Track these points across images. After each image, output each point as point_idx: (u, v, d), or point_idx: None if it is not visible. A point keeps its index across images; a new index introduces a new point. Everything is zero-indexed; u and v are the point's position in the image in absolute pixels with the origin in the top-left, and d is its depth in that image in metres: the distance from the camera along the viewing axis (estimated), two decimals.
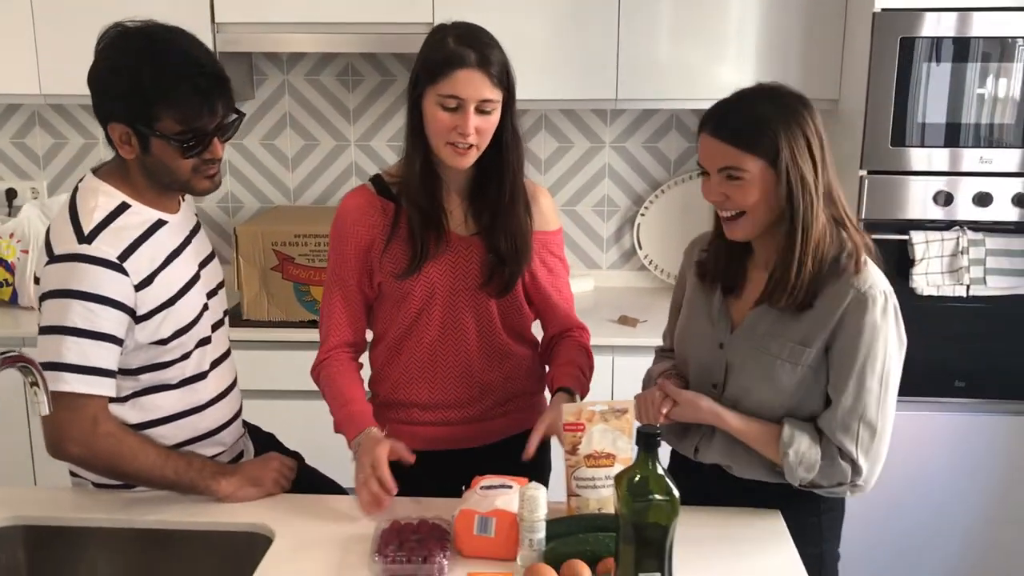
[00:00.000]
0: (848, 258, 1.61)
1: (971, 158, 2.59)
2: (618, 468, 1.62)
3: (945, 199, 2.61)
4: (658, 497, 1.31)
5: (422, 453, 1.91)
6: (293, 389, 2.57)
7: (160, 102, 1.60)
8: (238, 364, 1.98)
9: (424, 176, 1.80)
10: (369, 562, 1.54)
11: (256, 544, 1.65)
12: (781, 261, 1.61)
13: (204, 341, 1.81)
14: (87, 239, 1.62)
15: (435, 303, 1.85)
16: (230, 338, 1.95)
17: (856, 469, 1.61)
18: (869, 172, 2.62)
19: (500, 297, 1.87)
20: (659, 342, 2.00)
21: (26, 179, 3.38)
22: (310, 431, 2.07)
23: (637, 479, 1.32)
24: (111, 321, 1.63)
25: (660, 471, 1.33)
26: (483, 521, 1.57)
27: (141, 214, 1.70)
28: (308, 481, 1.91)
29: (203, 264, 1.83)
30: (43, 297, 1.65)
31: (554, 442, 1.79)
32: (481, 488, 1.62)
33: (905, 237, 2.61)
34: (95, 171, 1.74)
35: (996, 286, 2.61)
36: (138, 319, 1.66)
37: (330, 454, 1.94)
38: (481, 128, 1.72)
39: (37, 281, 1.68)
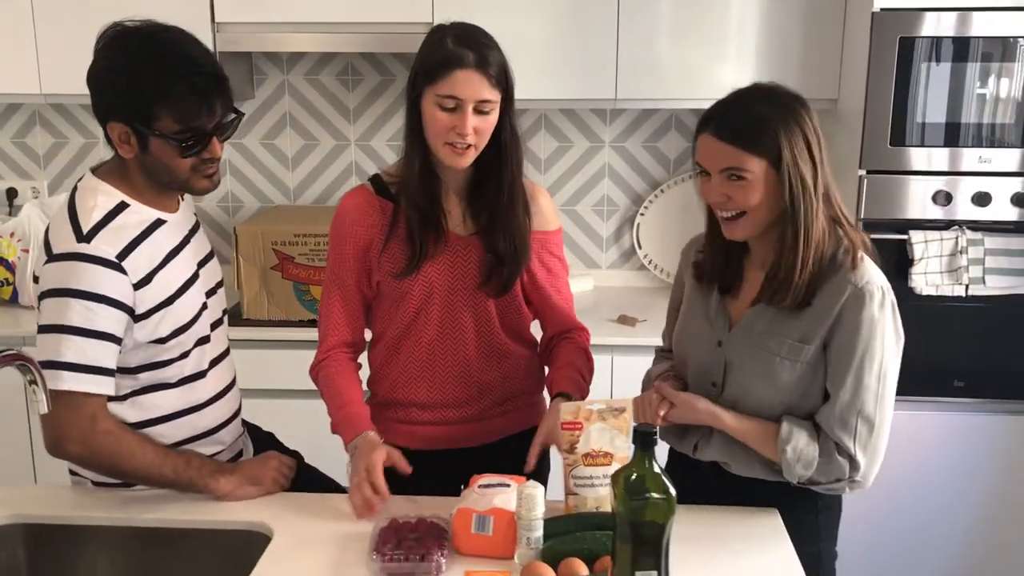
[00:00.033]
0: (845, 254, 1.62)
1: (970, 158, 2.59)
2: (616, 467, 1.63)
3: (944, 199, 2.61)
4: (655, 495, 1.31)
5: (420, 452, 1.92)
6: (293, 388, 2.57)
7: (159, 101, 1.60)
8: (238, 363, 1.98)
9: (423, 176, 1.80)
10: (367, 560, 1.54)
11: (254, 542, 1.65)
12: (782, 261, 1.61)
13: (203, 340, 1.81)
14: (86, 238, 1.63)
15: (433, 303, 1.86)
16: (230, 337, 1.95)
17: (854, 465, 1.62)
18: (868, 172, 2.62)
19: (498, 297, 1.88)
20: (658, 341, 2.00)
21: (27, 178, 3.39)
22: (310, 430, 2.08)
23: (634, 477, 1.32)
24: (110, 320, 1.63)
25: (657, 469, 1.33)
26: (481, 519, 1.57)
27: (140, 213, 1.71)
28: (307, 480, 1.92)
29: (202, 263, 1.83)
30: (42, 296, 1.65)
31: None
32: (479, 487, 1.63)
33: (904, 237, 2.62)
34: (94, 170, 1.74)
35: (995, 286, 2.61)
36: (137, 318, 1.67)
37: (329, 453, 1.94)
38: (479, 128, 1.73)
39: (36, 280, 1.68)
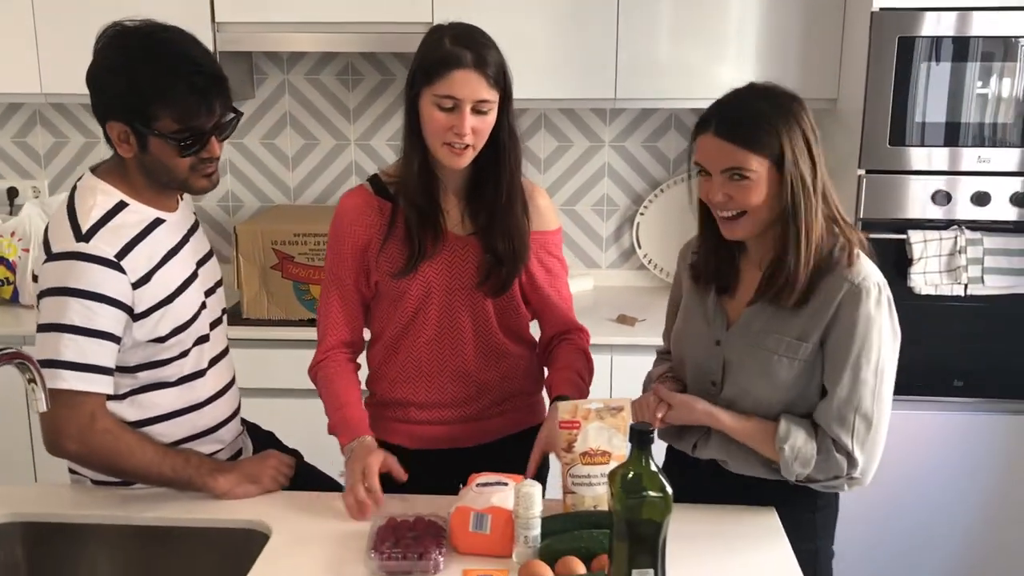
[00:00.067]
0: (841, 251, 1.62)
1: (969, 157, 2.60)
2: (613, 466, 1.63)
3: (943, 198, 2.61)
4: (651, 494, 1.31)
5: (419, 452, 1.93)
6: (293, 388, 2.57)
7: (158, 101, 1.60)
8: (238, 362, 1.98)
9: (422, 176, 1.81)
10: (365, 559, 1.54)
11: (253, 540, 1.66)
12: (784, 260, 1.61)
13: (202, 339, 1.81)
14: (85, 237, 1.63)
15: (431, 302, 1.86)
16: (229, 336, 1.96)
17: (852, 462, 1.62)
18: (867, 171, 2.63)
19: (496, 297, 1.88)
20: (658, 341, 2.00)
21: (27, 178, 3.39)
22: (309, 429, 2.08)
23: (631, 475, 1.32)
24: (109, 319, 1.63)
25: (654, 468, 1.33)
26: (479, 518, 1.57)
27: (139, 212, 1.71)
28: (307, 479, 1.92)
29: (201, 262, 1.84)
30: (41, 295, 1.65)
31: None
32: (477, 485, 1.63)
33: (903, 236, 2.62)
34: (94, 170, 1.75)
35: (994, 285, 2.61)
36: (136, 317, 1.67)
37: (329, 453, 1.94)
38: (477, 128, 1.73)
39: (36, 279, 1.69)
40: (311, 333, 1.99)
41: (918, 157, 2.61)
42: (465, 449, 1.94)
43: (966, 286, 2.62)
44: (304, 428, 2.13)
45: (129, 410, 1.74)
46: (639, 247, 3.30)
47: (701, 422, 1.71)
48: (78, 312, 1.61)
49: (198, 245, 1.85)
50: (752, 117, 1.58)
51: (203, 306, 1.81)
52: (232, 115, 1.70)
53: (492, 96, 1.72)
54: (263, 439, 2.04)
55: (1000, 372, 2.70)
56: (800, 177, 1.57)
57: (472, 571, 1.53)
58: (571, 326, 1.99)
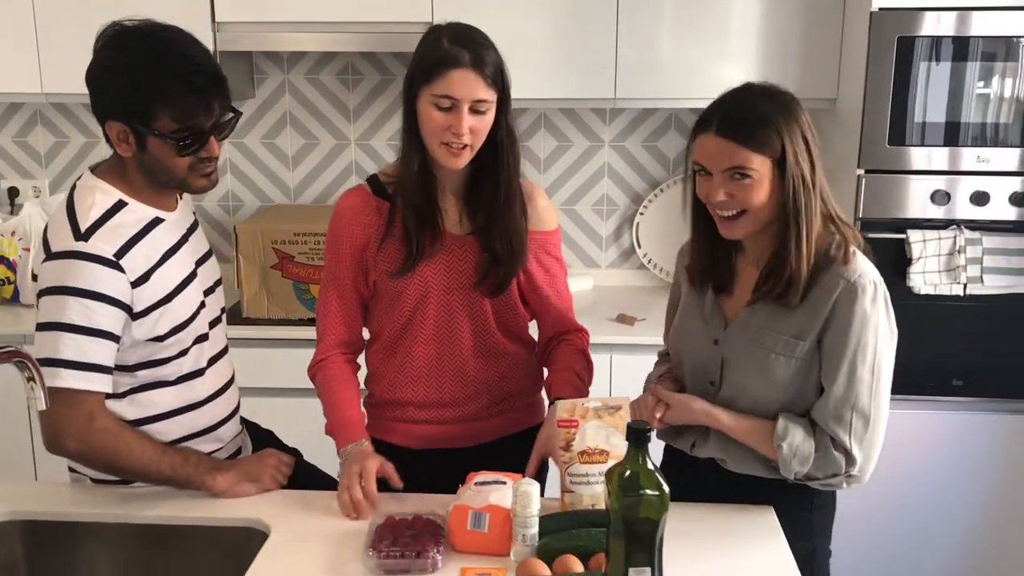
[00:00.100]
0: (837, 249, 1.63)
1: (969, 157, 2.60)
2: (612, 464, 1.63)
3: (943, 198, 2.61)
4: (648, 492, 1.31)
5: (417, 452, 1.93)
6: (292, 387, 2.58)
7: (157, 101, 1.61)
8: (237, 362, 1.99)
9: (420, 175, 1.81)
10: (363, 557, 1.55)
11: (252, 539, 1.66)
12: (785, 260, 1.61)
13: (201, 338, 1.82)
14: (84, 236, 1.64)
15: (429, 302, 1.86)
16: (229, 336, 1.96)
17: (850, 459, 1.62)
18: (867, 171, 2.63)
19: (494, 296, 1.88)
20: (657, 340, 2.00)
21: (28, 177, 3.40)
22: (308, 428, 2.08)
23: (628, 474, 1.32)
24: (107, 317, 1.64)
25: (651, 466, 1.33)
26: (477, 517, 1.58)
27: (138, 212, 1.71)
28: (306, 478, 1.92)
29: (200, 262, 1.84)
30: (40, 294, 1.66)
31: None
32: (475, 484, 1.63)
33: (902, 236, 2.62)
34: (93, 169, 1.75)
35: (993, 285, 2.61)
36: (135, 316, 1.68)
37: (328, 451, 1.94)
38: (475, 128, 1.73)
39: (35, 278, 1.69)
40: (311, 332, 2.00)
41: (917, 157, 2.61)
42: (464, 449, 1.94)
43: (965, 286, 2.62)
44: (303, 427, 2.13)
45: (128, 409, 1.74)
46: (639, 247, 3.30)
47: (699, 421, 1.71)
48: (77, 311, 1.62)
49: (197, 244, 1.85)
50: (754, 116, 1.58)
51: (202, 305, 1.82)
52: (231, 115, 1.70)
53: (490, 96, 1.73)
54: (262, 438, 2.05)
55: (999, 372, 2.70)
56: (801, 176, 1.58)
57: (470, 569, 1.53)
58: (570, 326, 1.99)
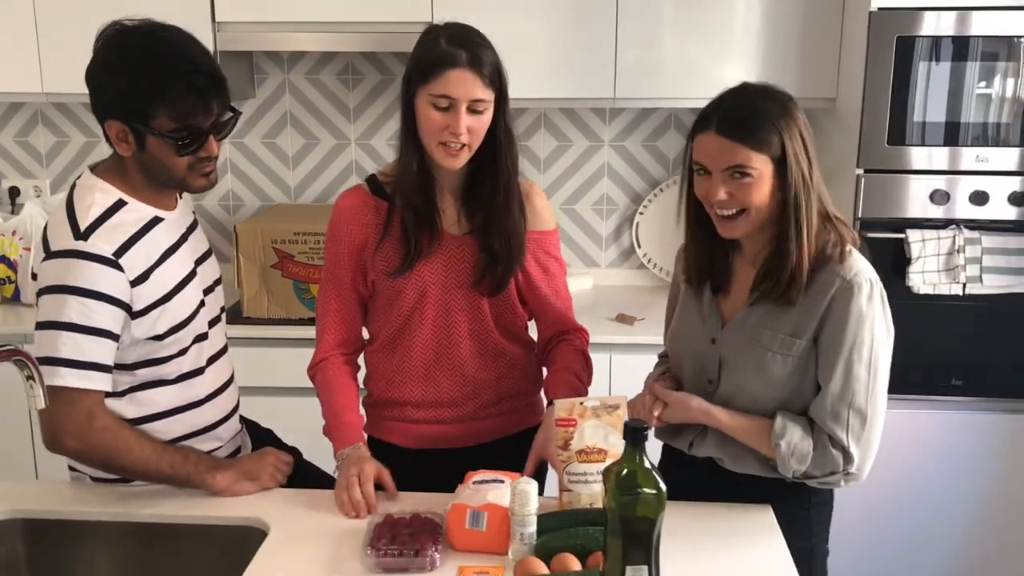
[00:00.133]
0: (833, 248, 1.63)
1: (968, 157, 2.60)
2: (610, 463, 1.63)
3: (942, 198, 2.61)
4: (645, 490, 1.32)
5: (415, 451, 1.94)
6: (292, 386, 2.58)
7: (156, 100, 1.61)
8: (237, 361, 1.99)
9: (418, 175, 1.81)
10: (362, 555, 1.55)
11: (251, 537, 1.66)
12: (779, 257, 1.61)
13: (201, 337, 1.82)
14: (83, 236, 1.64)
15: (427, 302, 1.86)
16: (229, 335, 1.97)
17: (848, 457, 1.62)
18: (866, 171, 2.63)
19: (492, 296, 1.88)
20: (657, 340, 2.00)
21: (29, 177, 3.40)
22: (308, 427, 2.08)
23: (625, 473, 1.33)
24: (107, 317, 1.64)
25: (648, 465, 1.33)
26: (475, 515, 1.58)
27: (137, 211, 1.72)
28: (305, 476, 1.92)
29: (199, 261, 1.85)
30: (40, 293, 1.66)
31: None
32: (474, 483, 1.64)
33: (902, 236, 2.62)
34: (93, 168, 1.76)
35: (992, 284, 2.61)
36: (134, 315, 1.68)
37: (327, 450, 1.94)
38: (473, 128, 1.73)
39: (35, 277, 1.70)
40: (311, 332, 2.00)
41: (917, 156, 2.61)
42: (463, 449, 1.94)
43: (964, 285, 2.62)
44: (303, 426, 2.13)
45: (128, 407, 1.75)
46: (638, 246, 3.30)
47: (697, 420, 1.71)
48: (76, 310, 1.62)
49: (197, 244, 1.86)
50: (754, 115, 1.59)
51: (202, 304, 1.82)
52: (230, 114, 1.71)
53: (487, 95, 1.73)
54: (261, 437, 2.05)
55: (999, 371, 2.70)
56: (801, 174, 1.58)
57: (468, 568, 1.54)
58: (570, 326, 1.99)
